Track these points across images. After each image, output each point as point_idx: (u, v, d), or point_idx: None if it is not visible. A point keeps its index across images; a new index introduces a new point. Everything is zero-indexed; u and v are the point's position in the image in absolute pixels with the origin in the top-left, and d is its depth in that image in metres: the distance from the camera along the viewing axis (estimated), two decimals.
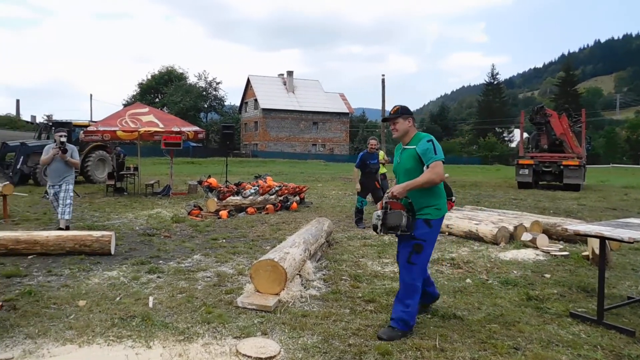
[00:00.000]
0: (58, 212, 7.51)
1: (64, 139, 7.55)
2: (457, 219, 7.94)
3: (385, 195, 3.70)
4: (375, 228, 3.69)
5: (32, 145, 16.90)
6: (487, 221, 7.61)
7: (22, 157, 16.27)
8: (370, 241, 7.37)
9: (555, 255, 6.43)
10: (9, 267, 5.46)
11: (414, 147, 3.66)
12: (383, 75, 24.15)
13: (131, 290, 4.72)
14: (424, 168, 3.58)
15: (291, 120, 55.38)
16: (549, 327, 3.88)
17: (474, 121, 74.44)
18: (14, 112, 63.93)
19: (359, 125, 65.79)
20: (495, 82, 75.23)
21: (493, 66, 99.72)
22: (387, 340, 3.49)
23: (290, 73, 59.08)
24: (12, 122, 50.69)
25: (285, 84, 58.32)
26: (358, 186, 8.96)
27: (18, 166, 16.12)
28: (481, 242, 7.32)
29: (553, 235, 7.53)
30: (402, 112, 3.77)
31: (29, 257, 5.92)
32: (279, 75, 60.61)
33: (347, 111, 58.66)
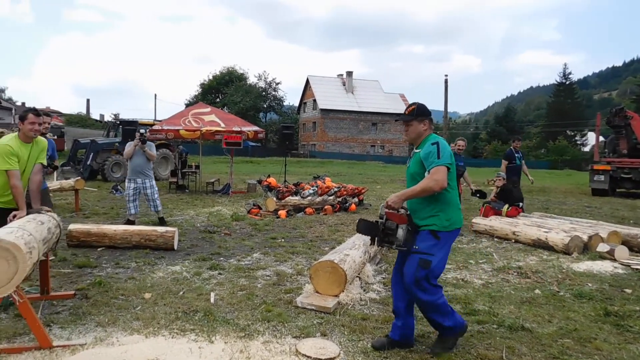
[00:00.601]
0: (151, 206, 8.21)
1: (143, 130, 8.16)
2: (524, 226, 7.55)
3: (381, 205, 3.34)
4: (371, 240, 3.37)
5: (101, 142, 18.03)
6: (557, 229, 7.18)
7: (91, 153, 17.34)
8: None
9: (636, 269, 5.94)
10: (80, 257, 5.78)
11: (420, 150, 3.31)
12: (446, 75, 23.56)
13: (193, 285, 4.84)
14: (425, 174, 3.18)
15: (350, 121, 55.27)
16: (632, 347, 3.57)
17: (543, 123, 70.76)
18: (84, 111, 68.40)
19: None
20: (567, 82, 71.03)
21: (565, 65, 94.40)
22: (444, 351, 3.28)
23: (349, 73, 59.00)
24: (82, 121, 54.24)
25: (344, 85, 58.31)
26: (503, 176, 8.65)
27: (88, 162, 17.16)
28: (551, 251, 6.91)
29: (634, 247, 6.98)
30: (417, 113, 3.35)
31: (99, 249, 6.23)
32: (338, 75, 60.68)
33: None
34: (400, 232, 3.22)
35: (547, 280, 5.40)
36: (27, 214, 3.97)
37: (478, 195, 8.93)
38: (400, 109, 56.78)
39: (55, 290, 4.43)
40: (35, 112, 4.22)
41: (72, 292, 4.43)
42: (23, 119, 4.15)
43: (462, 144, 8.57)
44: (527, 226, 7.52)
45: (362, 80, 60.94)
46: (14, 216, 3.85)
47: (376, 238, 3.33)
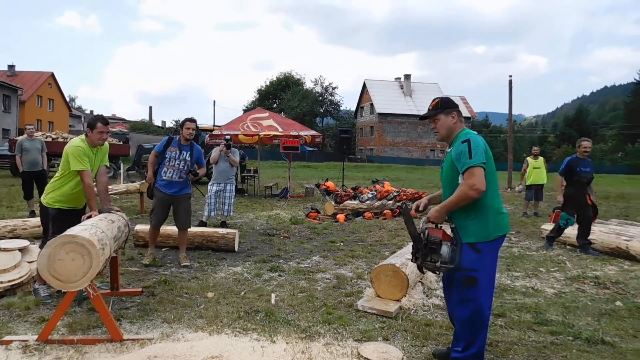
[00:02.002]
0: (223, 209, 8.49)
1: (228, 137, 8.80)
2: (601, 234, 7.05)
3: (422, 220, 3.00)
4: (413, 256, 3.00)
5: None
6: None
7: None
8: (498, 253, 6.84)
9: None
10: (145, 257, 6.00)
11: (452, 149, 2.96)
12: (510, 76, 22.49)
13: (254, 286, 4.88)
14: (459, 178, 2.82)
15: (408, 125, 54.48)
16: None
17: (620, 125, 65.97)
18: (147, 118, 72.00)
19: (481, 130, 62.56)
20: None
21: None
22: None
23: (407, 77, 58.30)
24: (146, 127, 57.13)
25: (402, 88, 57.65)
26: (561, 197, 7.19)
27: None
28: (633, 260, 6.39)
29: None
30: (442, 106, 3.00)
31: (163, 249, 6.45)
32: (396, 79, 60.11)
33: (468, 115, 56.09)
34: (445, 249, 2.83)
35: (630, 292, 4.98)
36: (99, 213, 4.16)
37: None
38: (462, 112, 55.45)
39: (124, 287, 4.62)
40: (104, 120, 4.39)
41: (140, 289, 4.60)
42: (92, 127, 4.31)
43: (588, 146, 7.12)
44: (605, 234, 7.01)
45: (420, 84, 59.98)
46: (88, 217, 4.05)
47: (418, 255, 2.96)
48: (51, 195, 4.36)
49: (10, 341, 3.26)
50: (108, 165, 4.66)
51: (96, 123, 4.31)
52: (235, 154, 8.66)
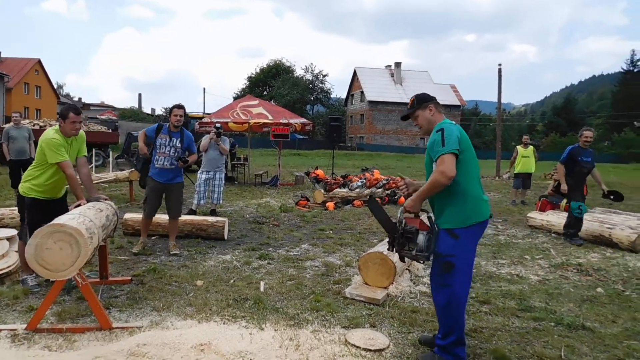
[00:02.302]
0: (212, 197, 8.47)
1: (219, 125, 8.71)
2: (585, 222, 7.16)
3: (400, 210, 3.05)
4: (390, 245, 3.10)
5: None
6: (623, 225, 6.76)
7: None
8: (484, 240, 6.94)
9: None
10: (135, 246, 6.01)
11: None
12: (499, 65, 22.53)
13: (244, 274, 4.92)
14: (433, 166, 2.89)
15: (398, 113, 54.30)
16: None
17: (607, 114, 66.36)
18: (136, 105, 71.18)
19: (471, 118, 62.83)
20: (635, 70, 66.11)
21: (633, 51, 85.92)
22: None
23: (398, 64, 58.15)
24: (135, 114, 56.45)
25: (392, 76, 57.53)
26: (565, 186, 7.04)
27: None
28: (615, 248, 6.52)
29: None
30: (418, 102, 3.11)
31: (153, 237, 6.44)
32: (386, 67, 59.94)
33: (458, 103, 56.27)
34: (421, 238, 2.91)
35: (611, 278, 5.10)
36: (87, 202, 4.14)
37: (612, 197, 7.38)
38: (452, 100, 55.58)
39: (113, 275, 4.62)
40: (76, 110, 4.26)
41: (129, 277, 4.61)
42: (65, 118, 4.18)
43: (589, 135, 7.09)
44: (589, 222, 7.13)
45: (411, 72, 59.90)
46: (76, 206, 4.02)
47: (395, 242, 3.06)
48: (27, 185, 4.27)
49: None
50: (87, 155, 4.56)
51: (68, 113, 4.18)
52: (225, 142, 8.63)
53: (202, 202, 8.46)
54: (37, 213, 4.17)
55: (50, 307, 3.45)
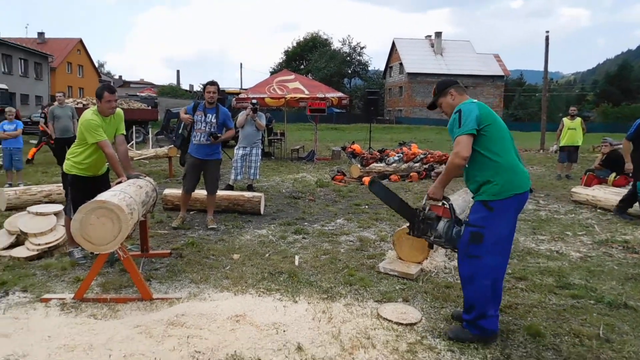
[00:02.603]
0: (249, 173, 8.55)
1: (255, 101, 8.76)
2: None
3: (425, 197, 3.12)
4: (410, 229, 3.19)
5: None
6: None
7: (182, 122, 18.29)
8: (523, 215, 6.76)
9: None
10: (174, 220, 6.20)
11: None
12: (547, 31, 21.41)
13: (279, 248, 5.00)
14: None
15: None
16: None
17: None
18: (175, 82, 72.42)
19: (515, 89, 60.41)
20: None
21: None
22: (453, 339, 2.92)
23: (438, 34, 56.33)
24: (173, 91, 57.56)
25: (432, 47, 55.85)
26: (630, 165, 6.63)
27: (179, 131, 18.12)
28: None
29: None
30: (439, 90, 3.17)
31: (191, 212, 6.62)
32: (426, 37, 58.21)
33: (502, 74, 54.20)
34: (441, 225, 2.99)
35: None
36: (127, 179, 4.29)
37: None
38: (495, 70, 53.58)
39: (153, 249, 4.81)
40: (110, 89, 4.37)
41: (168, 251, 4.78)
42: (100, 97, 4.30)
43: None
44: None
45: (452, 42, 57.93)
46: (117, 183, 4.17)
47: (415, 227, 3.16)
48: (69, 162, 4.48)
49: (49, 299, 3.48)
50: (124, 133, 4.69)
51: (103, 92, 4.29)
52: (261, 117, 8.68)
53: (239, 177, 8.59)
54: (79, 190, 4.37)
55: (95, 278, 3.63)
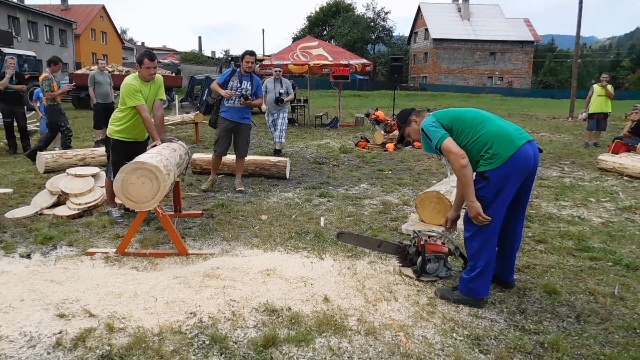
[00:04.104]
0: (275, 135, 9.05)
1: (278, 68, 9.36)
2: None
3: (412, 230, 3.51)
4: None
5: (214, 78, 19.08)
6: None
7: (207, 89, 18.45)
8: (546, 182, 6.78)
9: None
10: (204, 183, 6.44)
11: None
12: None
13: (305, 210, 5.20)
14: (443, 160, 2.98)
15: (465, 51, 51.75)
16: None
17: None
18: (197, 49, 72.34)
19: (545, 55, 58.44)
20: None
21: None
22: (441, 298, 3.03)
23: None
24: (196, 58, 57.64)
25: (459, 11, 54.17)
26: None
27: (204, 97, 18.32)
28: None
29: None
30: (402, 121, 3.25)
31: (219, 176, 6.84)
32: (453, 1, 56.42)
33: (531, 39, 52.40)
34: (434, 266, 3.30)
35: None
36: (161, 142, 4.49)
37: None
38: (525, 35, 51.78)
39: (185, 209, 5.06)
40: (150, 56, 4.56)
41: (200, 211, 5.03)
42: (140, 63, 4.53)
43: None
44: None
45: (480, 6, 56.02)
46: (153, 146, 4.40)
47: (406, 258, 3.46)
48: (111, 127, 4.76)
49: (94, 253, 3.76)
50: (164, 99, 4.88)
51: (143, 59, 4.51)
52: (289, 87, 9.08)
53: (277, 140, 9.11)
54: (119, 153, 4.62)
55: (134, 235, 3.89)
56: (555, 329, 2.70)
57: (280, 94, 8.96)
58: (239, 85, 6.03)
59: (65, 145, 8.49)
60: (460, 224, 3.36)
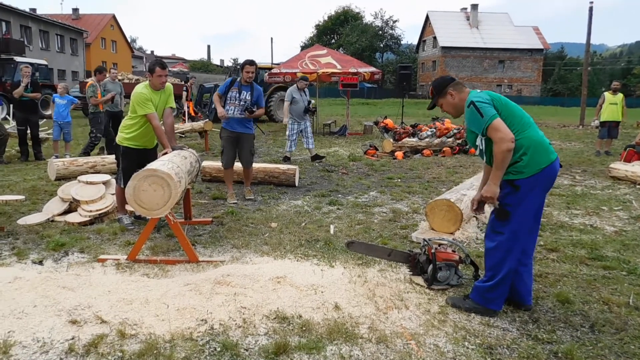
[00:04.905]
0: (309, 142, 9.32)
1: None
2: None
3: (422, 237, 3.49)
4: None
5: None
6: None
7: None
8: (558, 190, 6.73)
9: None
10: (214, 191, 6.47)
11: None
12: (591, 2, 20.53)
13: (314, 217, 5.19)
14: (479, 140, 2.86)
15: (473, 59, 51.70)
16: None
17: None
18: (205, 57, 73.03)
19: (555, 63, 58.18)
20: None
21: None
22: (452, 306, 2.99)
23: (474, 7, 54.54)
24: (205, 66, 58.21)
25: (468, 19, 54.21)
26: None
27: (213, 106, 18.40)
28: None
29: None
30: (436, 91, 3.03)
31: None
32: (462, 9, 56.49)
33: (540, 47, 52.25)
34: (445, 274, 3.26)
35: None
36: (172, 150, 4.53)
37: None
38: (534, 43, 51.65)
39: (195, 217, 5.08)
40: (162, 65, 4.63)
41: (210, 219, 5.05)
42: (152, 72, 4.58)
43: None
44: None
45: (488, 14, 56.13)
46: (164, 153, 4.43)
47: (417, 266, 3.44)
48: (121, 135, 4.80)
49: (105, 259, 3.78)
50: (174, 107, 4.92)
51: (155, 67, 4.56)
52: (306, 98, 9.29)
53: (293, 148, 9.32)
54: (130, 160, 4.66)
55: (145, 242, 3.91)
56: (569, 338, 2.67)
57: (310, 102, 9.32)
58: (237, 95, 5.90)
59: (85, 152, 8.69)
60: (487, 209, 3.34)
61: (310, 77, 14.66)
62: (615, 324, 2.82)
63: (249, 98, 5.94)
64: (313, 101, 9.30)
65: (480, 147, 2.93)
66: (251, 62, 6.00)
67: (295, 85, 9.39)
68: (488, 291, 2.90)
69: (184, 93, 16.81)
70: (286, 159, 9.07)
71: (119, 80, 19.62)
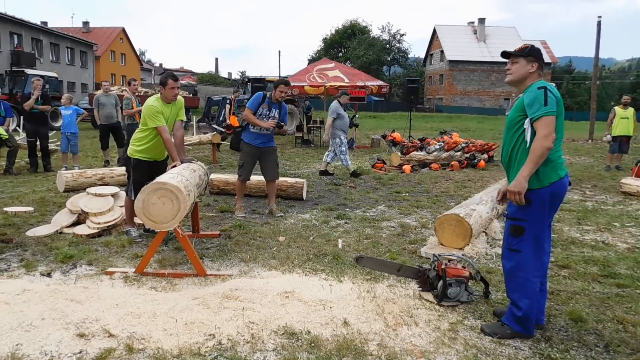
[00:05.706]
0: (347, 160, 9.21)
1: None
2: None
3: (432, 253, 3.51)
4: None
5: (228, 98, 19.35)
6: None
7: (223, 110, 18.68)
8: (568, 205, 6.66)
9: None
10: (221, 204, 6.47)
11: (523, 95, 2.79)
12: (599, 17, 20.54)
13: (322, 231, 5.17)
14: (526, 123, 2.70)
15: (481, 73, 51.74)
16: None
17: None
18: (213, 70, 73.76)
19: (563, 77, 58.12)
20: None
21: None
22: (488, 334, 2.84)
23: (481, 20, 54.77)
24: (213, 79, 58.74)
25: (475, 33, 54.39)
26: None
27: (221, 118, 18.55)
28: None
29: None
30: (529, 52, 2.81)
31: (236, 196, 6.85)
32: (469, 23, 56.73)
33: (548, 61, 52.16)
34: (455, 291, 3.24)
35: None
36: (181, 163, 4.54)
37: None
38: (543, 67, 51.55)
39: (203, 230, 5.07)
40: (174, 77, 4.66)
41: (218, 232, 5.03)
42: (164, 85, 4.61)
43: None
44: None
45: (496, 28, 56.25)
46: (173, 166, 4.44)
47: (426, 281, 3.42)
48: (132, 147, 4.82)
49: (113, 272, 3.77)
50: (185, 120, 4.94)
51: (167, 80, 4.60)
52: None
53: (349, 161, 9.31)
54: (141, 172, 4.67)
55: (153, 255, 3.90)
56: (583, 358, 2.62)
57: (355, 116, 9.46)
58: (267, 112, 5.86)
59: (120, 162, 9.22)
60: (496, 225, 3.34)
61: (318, 91, 14.77)
62: (631, 344, 2.75)
63: (277, 116, 5.92)
64: (357, 115, 9.35)
65: (518, 135, 2.78)
66: (286, 83, 5.97)
67: (336, 100, 9.42)
68: (523, 314, 2.79)
69: (227, 106, 16.63)
70: (355, 174, 9.04)
71: (140, 94, 19.90)
